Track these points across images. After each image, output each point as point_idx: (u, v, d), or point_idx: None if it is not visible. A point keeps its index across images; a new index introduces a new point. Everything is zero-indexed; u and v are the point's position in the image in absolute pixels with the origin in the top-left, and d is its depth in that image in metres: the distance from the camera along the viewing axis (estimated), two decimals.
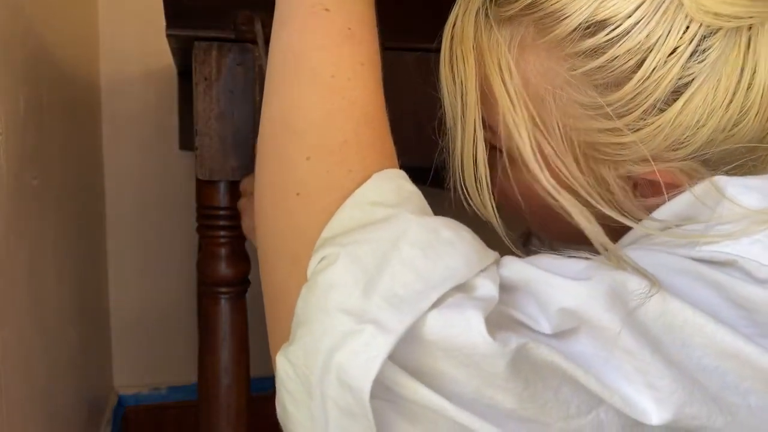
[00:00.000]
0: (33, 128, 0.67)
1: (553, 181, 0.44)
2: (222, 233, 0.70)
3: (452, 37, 0.48)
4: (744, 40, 0.41)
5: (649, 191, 0.46)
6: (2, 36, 0.57)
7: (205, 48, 0.65)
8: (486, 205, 0.47)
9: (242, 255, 0.72)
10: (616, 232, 0.46)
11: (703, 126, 0.42)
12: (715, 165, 0.44)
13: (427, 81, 0.70)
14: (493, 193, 0.47)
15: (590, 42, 0.41)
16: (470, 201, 0.48)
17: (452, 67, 0.48)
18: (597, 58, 0.42)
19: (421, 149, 0.71)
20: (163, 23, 0.64)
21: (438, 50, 0.51)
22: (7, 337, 0.56)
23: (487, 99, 0.46)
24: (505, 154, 0.47)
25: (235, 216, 0.70)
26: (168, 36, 0.66)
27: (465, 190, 0.48)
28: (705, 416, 0.35)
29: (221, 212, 0.70)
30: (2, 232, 0.55)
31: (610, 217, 0.44)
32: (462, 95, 0.47)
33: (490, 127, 0.47)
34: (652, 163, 0.43)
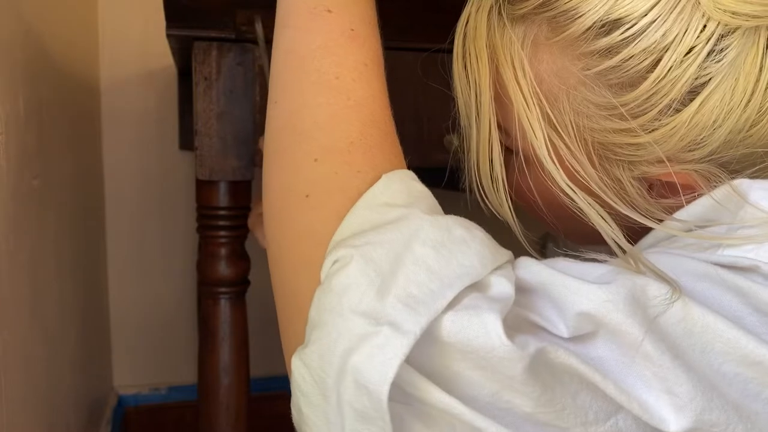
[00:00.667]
0: (33, 128, 0.67)
1: (568, 181, 0.44)
2: (222, 233, 0.70)
3: (465, 35, 0.47)
4: (763, 39, 0.40)
5: (665, 193, 0.45)
6: (2, 36, 0.57)
7: (205, 48, 0.65)
8: (502, 204, 0.47)
9: (242, 255, 0.72)
10: (636, 233, 0.45)
11: (720, 127, 0.41)
12: (733, 168, 0.43)
13: (428, 81, 0.70)
14: (509, 193, 0.47)
15: (605, 41, 0.41)
16: (487, 201, 0.48)
17: (465, 65, 0.47)
18: (611, 57, 0.41)
19: (422, 150, 0.72)
20: (163, 23, 0.64)
21: (441, 50, 0.51)
22: (8, 337, 0.56)
23: (500, 99, 0.46)
24: (521, 155, 0.47)
25: (235, 216, 0.70)
26: (168, 36, 0.66)
27: (481, 190, 0.48)
28: (724, 423, 0.35)
29: (221, 212, 0.70)
30: (2, 232, 0.55)
31: (628, 218, 0.44)
32: (476, 94, 0.47)
33: (504, 129, 0.47)
34: (668, 164, 0.43)
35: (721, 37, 0.40)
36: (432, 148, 0.70)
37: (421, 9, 0.68)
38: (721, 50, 0.40)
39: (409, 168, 0.41)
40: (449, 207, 0.40)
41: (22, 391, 0.60)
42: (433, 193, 0.40)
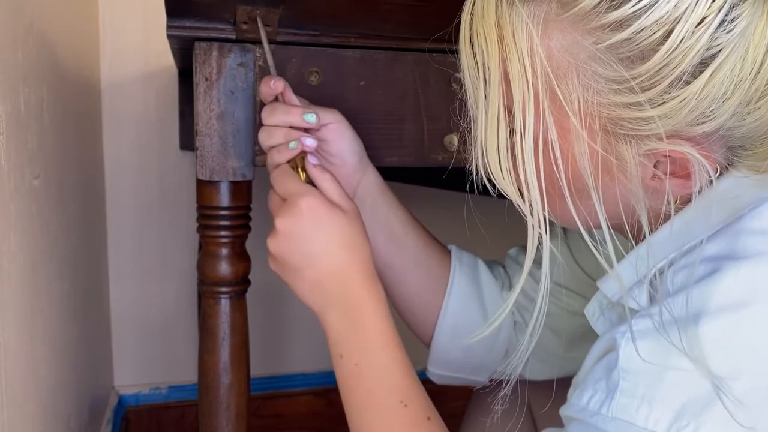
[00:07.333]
0: (33, 128, 0.67)
1: (561, 161, 0.45)
2: (222, 233, 0.70)
3: (472, 17, 0.47)
4: None
5: (670, 169, 0.45)
6: (3, 36, 0.57)
7: (206, 48, 0.65)
8: (508, 185, 0.48)
9: (242, 255, 0.72)
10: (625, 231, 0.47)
11: (729, 98, 0.41)
12: (736, 144, 0.44)
13: (428, 81, 0.70)
14: (513, 175, 0.48)
15: (616, 14, 0.41)
16: (494, 181, 0.48)
17: (473, 46, 0.47)
18: (623, 30, 0.41)
19: (422, 150, 0.72)
20: (164, 23, 0.64)
21: (442, 50, 0.50)
22: (8, 337, 0.56)
23: (507, 80, 0.46)
24: (525, 135, 0.47)
25: (235, 216, 0.70)
26: (169, 36, 0.66)
27: (488, 171, 0.48)
28: None
29: (222, 212, 0.70)
30: (3, 231, 0.55)
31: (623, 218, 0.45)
32: (485, 75, 0.47)
33: (509, 109, 0.47)
34: (665, 141, 0.43)
35: (732, 6, 0.40)
36: (432, 148, 0.70)
37: (423, 8, 0.68)
38: (732, 20, 0.40)
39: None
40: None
41: (22, 391, 0.60)
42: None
